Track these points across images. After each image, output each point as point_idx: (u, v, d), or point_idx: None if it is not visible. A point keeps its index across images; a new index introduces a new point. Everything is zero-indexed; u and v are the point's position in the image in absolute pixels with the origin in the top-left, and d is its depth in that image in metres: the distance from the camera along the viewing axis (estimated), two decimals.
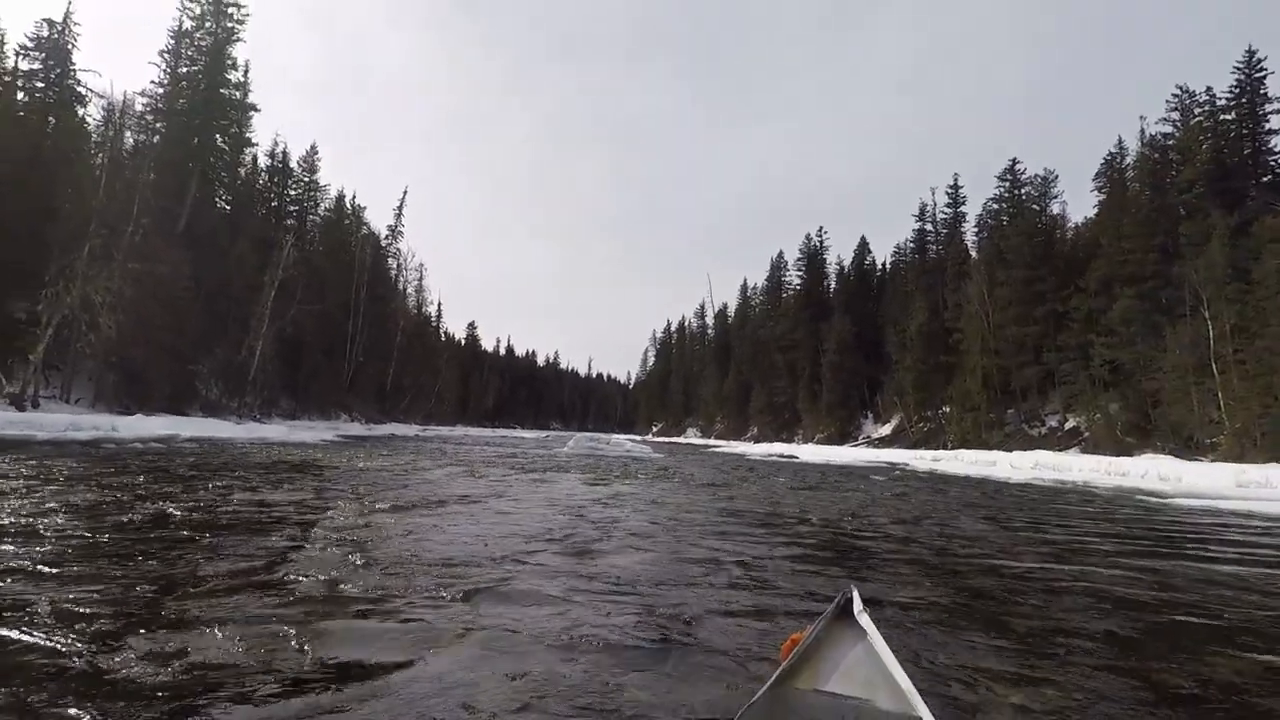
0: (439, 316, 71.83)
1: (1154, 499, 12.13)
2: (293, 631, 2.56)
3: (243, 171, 39.62)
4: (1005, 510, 9.31)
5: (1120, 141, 37.98)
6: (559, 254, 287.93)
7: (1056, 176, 40.84)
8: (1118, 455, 25.04)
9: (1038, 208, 41.23)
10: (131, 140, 29.75)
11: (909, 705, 1.66)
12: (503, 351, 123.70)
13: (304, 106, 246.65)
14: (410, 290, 58.78)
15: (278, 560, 3.81)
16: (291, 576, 3.43)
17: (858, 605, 2.07)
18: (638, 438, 75.49)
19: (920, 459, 27.73)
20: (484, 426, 78.66)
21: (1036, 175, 41.55)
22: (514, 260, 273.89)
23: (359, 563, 3.81)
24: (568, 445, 26.35)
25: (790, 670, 1.83)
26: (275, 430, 23.82)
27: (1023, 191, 42.84)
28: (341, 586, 3.29)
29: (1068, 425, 35.82)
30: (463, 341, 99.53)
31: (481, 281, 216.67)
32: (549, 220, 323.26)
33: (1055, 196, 40.99)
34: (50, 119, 26.39)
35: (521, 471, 12.45)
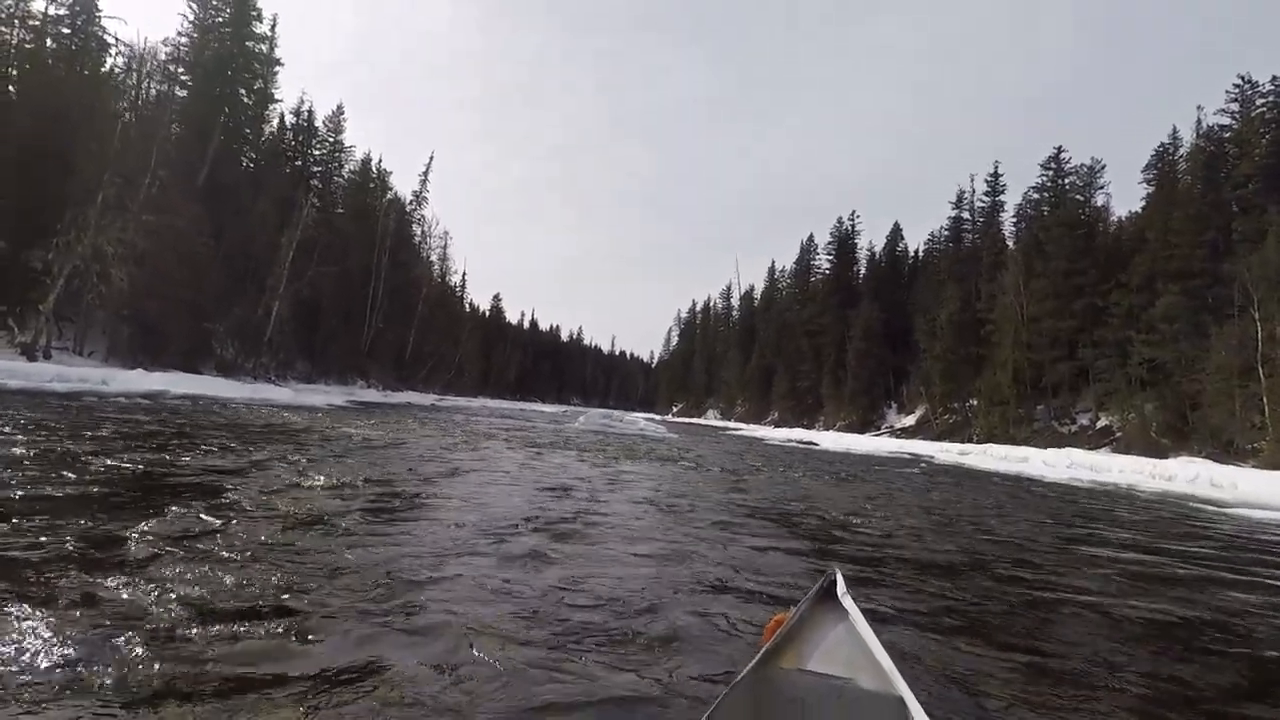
0: (463, 287, 71.71)
1: (1210, 507, 11.25)
2: None
3: (267, 129, 39.19)
4: (1052, 517, 8.40)
5: (1175, 132, 36.22)
6: (587, 233, 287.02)
7: (1104, 166, 39.17)
8: (1151, 456, 24.13)
9: (1081, 198, 39.65)
10: (153, 90, 29.29)
11: (890, 684, 1.67)
12: (526, 325, 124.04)
13: (335, 75, 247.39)
14: (434, 258, 58.16)
15: (121, 547, 3.07)
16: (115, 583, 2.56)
17: (841, 587, 2.08)
18: (655, 417, 75.30)
19: (945, 452, 26.88)
20: (504, 399, 78.87)
21: (1082, 165, 39.90)
22: (541, 236, 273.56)
23: (211, 575, 2.77)
24: (579, 421, 25.24)
25: (774, 651, 1.84)
26: (281, 392, 23.34)
27: (1066, 181, 41.27)
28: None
29: (1099, 424, 34.70)
30: (487, 313, 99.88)
31: (507, 256, 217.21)
32: (579, 199, 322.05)
33: (1101, 187, 39.34)
34: (77, 68, 25.85)
35: (523, 446, 11.87)
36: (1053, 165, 42.20)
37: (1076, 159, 41.33)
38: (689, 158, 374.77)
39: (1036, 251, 38.92)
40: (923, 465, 18.43)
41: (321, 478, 5.69)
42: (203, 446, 7.29)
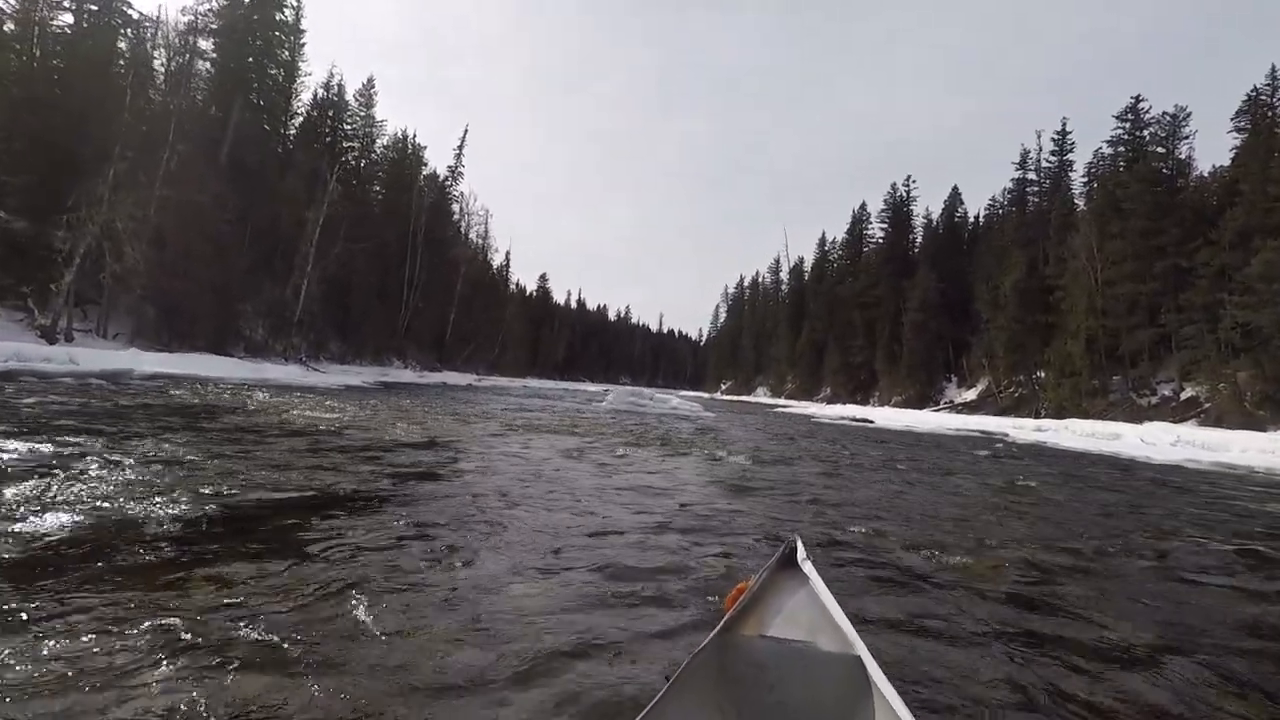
0: (506, 266, 71.33)
1: None
2: None
3: (295, 103, 38.40)
4: (1240, 526, 6.20)
5: (1274, 72, 32.62)
6: (635, 211, 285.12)
7: (1189, 114, 35.69)
8: (1248, 429, 21.83)
9: (1163, 149, 36.34)
10: (169, 61, 28.55)
11: (849, 645, 1.72)
12: (574, 305, 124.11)
13: (385, 57, 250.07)
14: (473, 236, 57.41)
15: None
16: None
17: (801, 553, 2.14)
18: (703, 395, 74.11)
19: (1019, 428, 24.71)
20: (552, 379, 78.84)
21: (1165, 114, 36.42)
22: (590, 216, 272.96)
23: None
24: (605, 400, 23.28)
25: (736, 618, 1.87)
26: (290, 372, 22.08)
27: (1145, 133, 37.93)
28: None
29: (1184, 395, 32.05)
30: (534, 294, 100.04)
31: (556, 236, 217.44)
32: (626, 179, 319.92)
33: (1186, 138, 35.87)
34: (89, 41, 24.63)
35: (526, 430, 10.64)
36: (1129, 117, 38.81)
37: (1206, 101, 37.58)
38: (738, 130, 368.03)
39: (1112, 211, 35.98)
40: (998, 445, 16.32)
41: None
42: (82, 436, 6.02)
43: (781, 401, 60.17)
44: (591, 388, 60.03)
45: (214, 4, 31.10)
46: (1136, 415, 31.51)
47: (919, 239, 59.82)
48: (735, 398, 74.40)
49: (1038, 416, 35.09)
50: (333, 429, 8.53)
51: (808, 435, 16.16)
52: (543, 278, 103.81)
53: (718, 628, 1.79)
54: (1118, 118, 39.26)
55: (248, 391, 14.07)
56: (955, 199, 58.13)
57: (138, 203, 20.19)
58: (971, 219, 57.77)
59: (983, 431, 23.86)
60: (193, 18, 30.11)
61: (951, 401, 47.74)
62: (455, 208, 52.56)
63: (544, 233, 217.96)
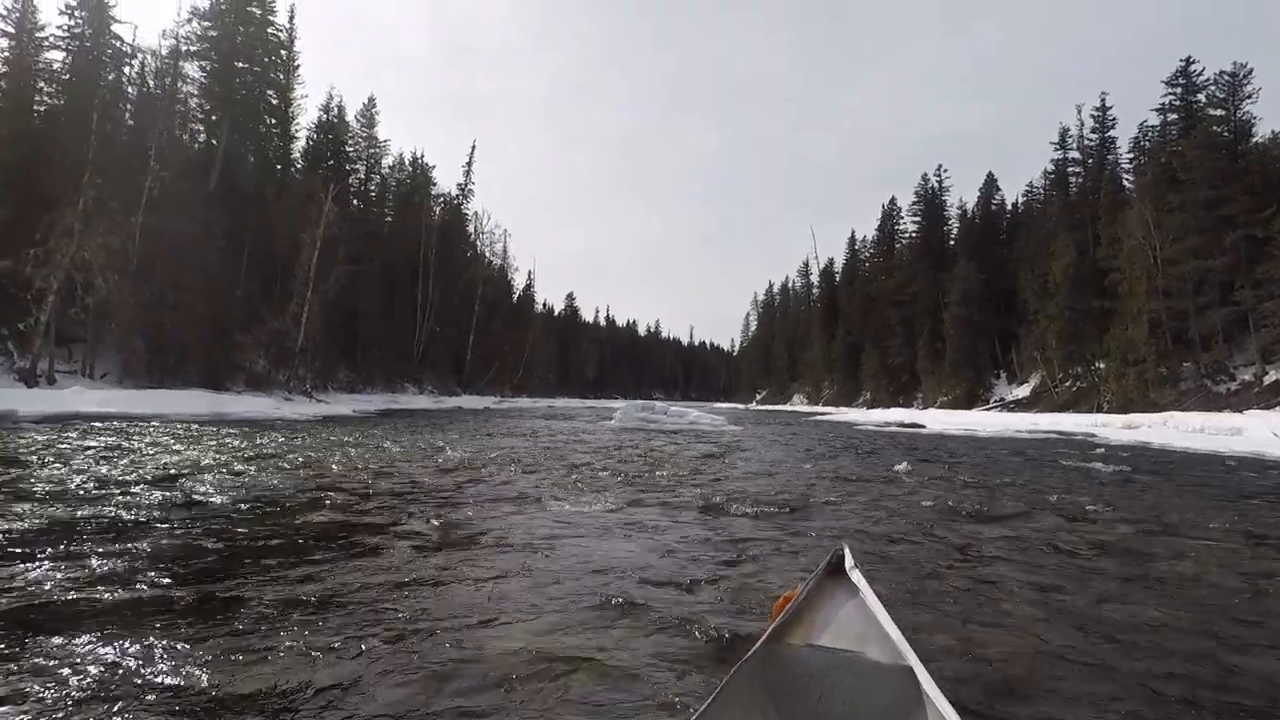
0: (530, 285, 70.19)
1: None
2: None
3: (294, 127, 37.26)
4: None
5: None
6: (660, 223, 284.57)
7: (1251, 71, 32.69)
8: None
9: (1223, 112, 33.39)
10: (149, 85, 27.41)
11: (900, 655, 1.69)
12: (603, 322, 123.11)
13: (415, 81, 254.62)
14: (488, 254, 55.70)
15: None
16: None
17: (849, 561, 2.10)
18: (728, 406, 71.71)
19: (1104, 426, 22.00)
20: (583, 398, 77.44)
21: (1222, 73, 33.48)
22: (618, 231, 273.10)
23: None
24: (614, 418, 20.05)
25: (783, 626, 1.84)
26: (263, 405, 19.50)
27: (1201, 97, 35.06)
28: None
29: (1266, 379, 29.02)
30: (561, 312, 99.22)
31: (584, 252, 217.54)
32: (650, 190, 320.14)
33: (1248, 96, 32.84)
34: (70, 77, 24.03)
35: (489, 467, 8.71)
36: (1180, 81, 36.01)
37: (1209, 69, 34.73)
38: (757, 135, 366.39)
39: (1168, 183, 33.17)
40: (1099, 452, 13.42)
41: None
42: None
43: (819, 409, 57.65)
44: (617, 405, 58.33)
45: (196, 27, 30.18)
46: (1213, 403, 28.62)
47: (954, 230, 57.17)
48: (771, 407, 71.95)
49: (1100, 411, 32.30)
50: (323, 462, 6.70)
51: (848, 448, 13.74)
52: (570, 296, 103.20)
53: (764, 636, 1.78)
54: (1167, 83, 36.50)
55: (172, 427, 12.36)
56: (991, 186, 55.37)
57: (109, 231, 18.82)
58: (1010, 206, 54.94)
59: (1060, 433, 21.15)
60: (174, 41, 29.28)
61: (1003, 399, 44.82)
62: (470, 228, 51.34)
63: (570, 248, 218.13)
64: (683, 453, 11.67)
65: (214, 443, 10.28)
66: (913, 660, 1.62)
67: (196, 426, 13.23)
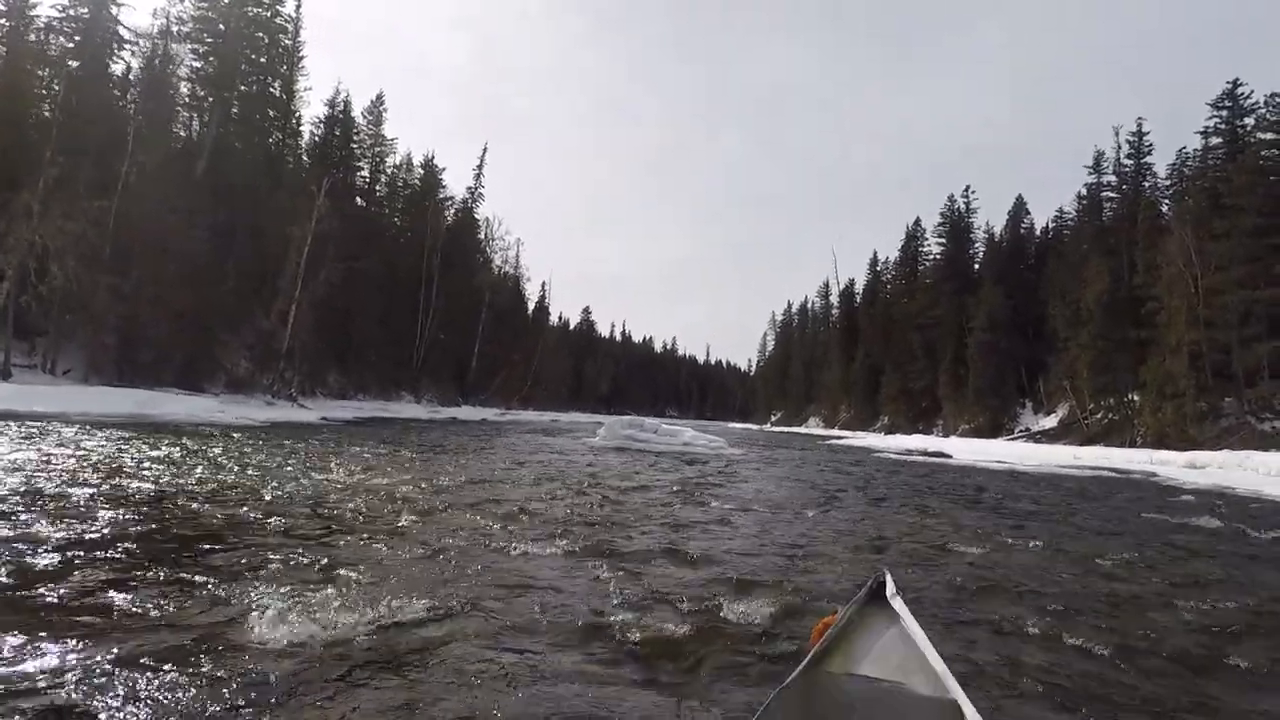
0: (543, 297, 69.19)
1: None
2: None
3: (295, 120, 36.27)
4: None
5: None
6: (682, 238, 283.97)
7: None
8: None
9: (1274, 135, 31.63)
10: (136, 66, 26.44)
11: (944, 688, 1.61)
12: (619, 338, 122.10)
13: (442, 94, 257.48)
14: (498, 261, 54.42)
15: None
16: None
17: (890, 588, 2.03)
18: (742, 426, 69.96)
19: (1164, 464, 20.22)
20: (595, 412, 76.24)
21: (1274, 95, 31.73)
22: (640, 246, 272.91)
23: None
24: (597, 435, 18.28)
25: (823, 653, 1.77)
26: (208, 406, 17.72)
27: (1249, 120, 33.36)
28: None
29: None
30: (578, 326, 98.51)
31: (604, 267, 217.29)
32: (674, 203, 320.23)
33: None
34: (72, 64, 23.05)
35: (427, 495, 7.48)
36: (1226, 104, 34.30)
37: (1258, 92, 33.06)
38: (783, 151, 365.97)
39: (1212, 209, 31.43)
40: (1188, 498, 11.55)
41: None
42: None
43: (835, 432, 55.86)
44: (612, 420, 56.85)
45: (189, 6, 29.18)
46: (1258, 442, 26.69)
47: (980, 253, 55.46)
48: (786, 429, 70.16)
49: (1133, 445, 30.43)
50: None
51: (867, 483, 11.74)
52: (586, 310, 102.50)
53: (803, 663, 1.72)
54: (1213, 105, 34.80)
55: (56, 428, 10.93)
56: (1020, 209, 53.62)
57: (68, 215, 17.43)
58: (1040, 230, 53.14)
59: (1114, 470, 19.25)
60: (164, 21, 28.09)
61: (1028, 429, 42.86)
62: (480, 234, 50.17)
63: (591, 263, 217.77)
64: (660, 483, 9.58)
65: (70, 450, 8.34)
66: (958, 694, 1.54)
67: (98, 430, 11.32)
